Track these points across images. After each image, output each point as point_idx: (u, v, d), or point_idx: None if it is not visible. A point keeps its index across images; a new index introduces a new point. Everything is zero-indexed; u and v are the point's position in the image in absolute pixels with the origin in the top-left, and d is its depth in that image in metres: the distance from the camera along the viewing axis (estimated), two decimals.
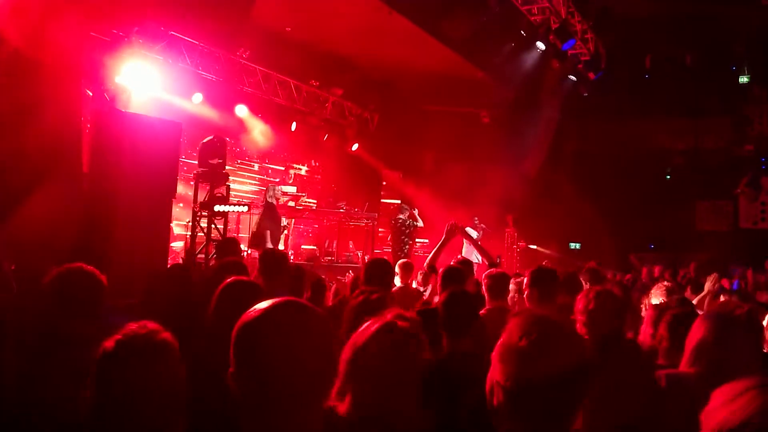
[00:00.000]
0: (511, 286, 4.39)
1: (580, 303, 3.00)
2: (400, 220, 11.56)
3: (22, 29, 5.73)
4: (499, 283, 4.10)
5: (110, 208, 6.82)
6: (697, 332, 2.47)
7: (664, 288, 4.19)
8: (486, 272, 4.35)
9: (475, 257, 9.62)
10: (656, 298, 4.02)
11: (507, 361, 1.43)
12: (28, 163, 6.04)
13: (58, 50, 6.28)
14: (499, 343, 1.48)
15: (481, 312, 3.80)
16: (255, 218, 10.04)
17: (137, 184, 7.13)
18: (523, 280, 4.03)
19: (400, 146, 14.63)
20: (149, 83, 10.11)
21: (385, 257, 8.58)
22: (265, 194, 10.11)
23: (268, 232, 9.67)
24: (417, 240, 11.96)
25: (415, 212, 11.91)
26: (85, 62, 8.00)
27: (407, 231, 11.52)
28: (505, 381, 1.41)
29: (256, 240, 9.68)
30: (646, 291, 4.96)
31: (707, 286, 5.52)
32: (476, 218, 12.71)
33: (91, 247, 6.01)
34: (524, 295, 3.78)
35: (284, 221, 11.68)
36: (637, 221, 13.98)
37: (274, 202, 10.11)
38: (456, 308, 2.90)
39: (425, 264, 5.95)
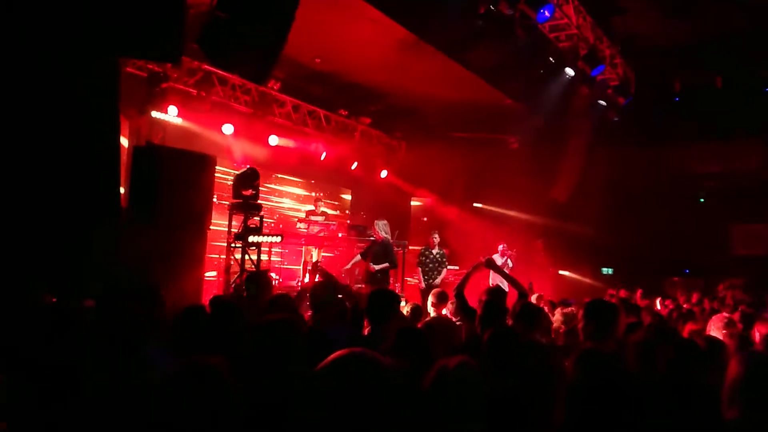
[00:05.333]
0: (557, 317, 4.28)
1: (633, 337, 2.95)
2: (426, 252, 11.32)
3: None
4: (532, 317, 3.99)
5: (147, 241, 6.93)
6: (731, 373, 2.29)
7: (724, 320, 4.03)
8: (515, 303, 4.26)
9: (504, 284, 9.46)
10: (715, 331, 3.86)
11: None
12: (67, 196, 6.17)
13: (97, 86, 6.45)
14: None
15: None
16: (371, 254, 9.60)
17: (173, 216, 7.27)
18: (569, 311, 3.94)
19: (428, 173, 14.67)
20: (183, 116, 10.35)
21: (387, 288, 8.34)
22: (375, 231, 9.62)
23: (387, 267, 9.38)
24: (449, 266, 11.82)
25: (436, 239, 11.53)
26: (123, 97, 8.22)
27: (425, 260, 11.20)
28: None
29: (376, 279, 9.31)
30: (688, 320, 4.83)
31: None
32: (503, 245, 12.45)
33: (130, 279, 6.09)
34: (579, 328, 3.60)
35: (314, 250, 11.74)
36: (671, 246, 13.75)
37: (389, 238, 9.73)
38: (501, 347, 2.86)
39: (454, 292, 5.92)
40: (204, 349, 3.18)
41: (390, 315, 4.10)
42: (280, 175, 13.56)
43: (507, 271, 9.07)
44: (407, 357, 2.77)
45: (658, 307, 8.91)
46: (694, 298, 10.01)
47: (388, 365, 1.49)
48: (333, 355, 1.45)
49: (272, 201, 13.21)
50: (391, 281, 9.75)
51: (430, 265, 11.09)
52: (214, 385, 1.63)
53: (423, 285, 10.84)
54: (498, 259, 10.82)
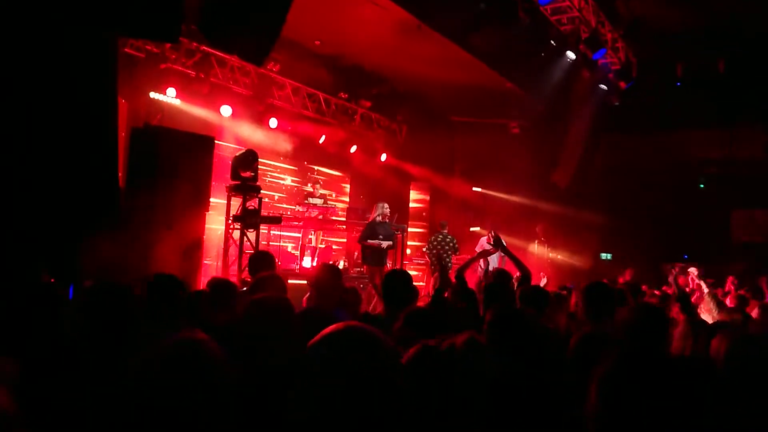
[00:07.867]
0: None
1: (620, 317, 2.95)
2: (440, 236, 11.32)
3: None
4: (540, 300, 3.97)
5: (146, 222, 6.91)
6: (713, 349, 2.27)
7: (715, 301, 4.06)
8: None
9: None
10: (705, 314, 3.88)
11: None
12: (64, 178, 6.14)
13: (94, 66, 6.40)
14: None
15: None
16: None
17: (171, 197, 7.24)
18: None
19: (428, 158, 14.62)
20: (181, 98, 10.30)
21: (402, 269, 8.44)
22: (374, 212, 10.08)
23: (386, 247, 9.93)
24: None
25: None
26: (121, 78, 8.16)
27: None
28: None
29: (377, 258, 9.91)
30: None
31: None
32: (493, 231, 12.31)
33: (129, 260, 6.08)
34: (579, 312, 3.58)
35: (312, 233, 11.73)
36: (671, 231, 13.71)
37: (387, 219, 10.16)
38: (507, 330, 2.78)
39: (455, 274, 5.88)
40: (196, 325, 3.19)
41: (408, 298, 3.86)
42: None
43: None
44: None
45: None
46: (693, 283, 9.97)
47: (389, 342, 1.43)
48: (327, 329, 1.40)
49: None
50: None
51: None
52: (203, 359, 1.60)
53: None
54: (485, 244, 10.78)
